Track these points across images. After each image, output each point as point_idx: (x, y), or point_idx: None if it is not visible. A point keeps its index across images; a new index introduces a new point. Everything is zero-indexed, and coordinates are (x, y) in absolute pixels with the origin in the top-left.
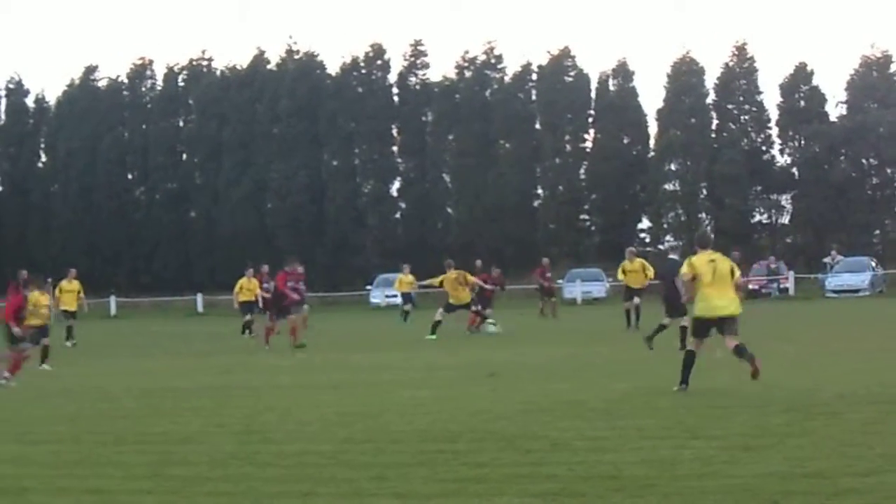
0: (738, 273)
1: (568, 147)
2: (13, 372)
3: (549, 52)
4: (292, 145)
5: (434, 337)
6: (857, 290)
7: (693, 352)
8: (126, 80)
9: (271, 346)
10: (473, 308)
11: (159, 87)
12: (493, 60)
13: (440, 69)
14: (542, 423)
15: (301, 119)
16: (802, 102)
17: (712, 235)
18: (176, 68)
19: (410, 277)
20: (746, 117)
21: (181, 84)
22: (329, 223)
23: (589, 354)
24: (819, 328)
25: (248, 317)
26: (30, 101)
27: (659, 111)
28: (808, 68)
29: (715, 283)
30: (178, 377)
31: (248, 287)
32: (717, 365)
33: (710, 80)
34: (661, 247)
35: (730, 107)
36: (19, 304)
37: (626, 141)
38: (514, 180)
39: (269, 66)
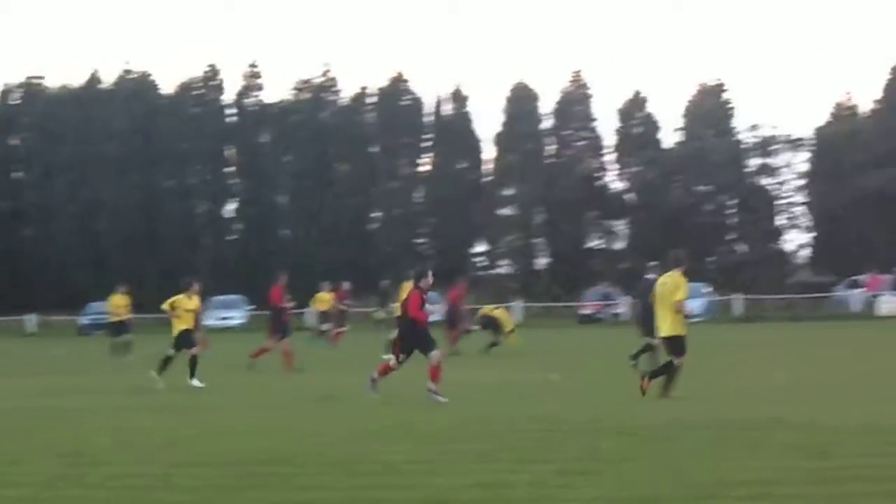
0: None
1: (404, 170)
2: None
3: (385, 75)
4: (126, 165)
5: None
6: (691, 316)
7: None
8: None
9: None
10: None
11: None
12: (329, 83)
13: (277, 91)
14: (374, 446)
15: (135, 139)
16: (638, 129)
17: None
18: (10, 87)
19: (329, 296)
20: (582, 143)
21: (15, 102)
22: (162, 243)
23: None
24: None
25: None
26: None
27: (496, 136)
28: (643, 95)
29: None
30: (6, 399)
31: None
32: (549, 390)
33: (547, 106)
34: (495, 271)
35: (566, 133)
36: None
37: (462, 165)
38: (351, 203)
39: (103, 86)
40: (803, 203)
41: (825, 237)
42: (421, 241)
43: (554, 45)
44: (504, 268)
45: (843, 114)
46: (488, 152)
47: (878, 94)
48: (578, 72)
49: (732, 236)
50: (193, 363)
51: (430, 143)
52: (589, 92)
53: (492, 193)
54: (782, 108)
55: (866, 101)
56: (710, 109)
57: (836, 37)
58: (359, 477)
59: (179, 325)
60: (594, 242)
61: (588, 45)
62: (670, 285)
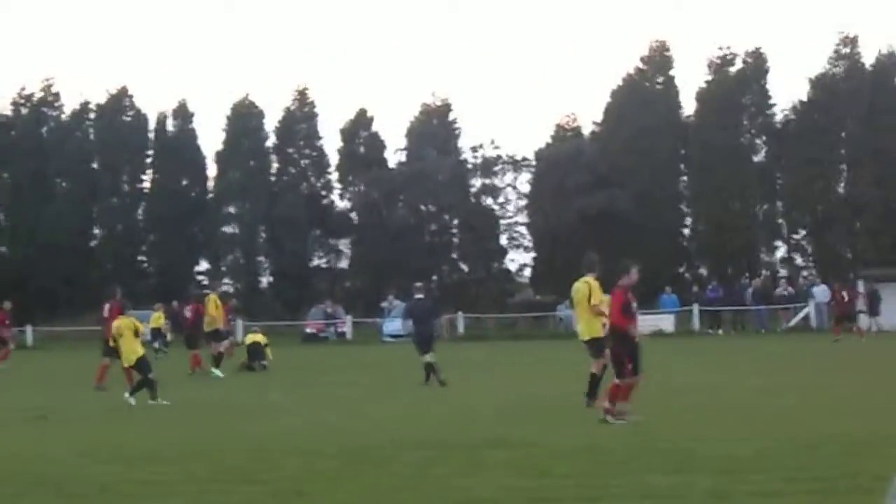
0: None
1: (126, 187)
2: None
3: (107, 90)
4: None
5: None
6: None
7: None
8: None
9: None
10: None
11: None
12: (50, 98)
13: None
14: (90, 467)
15: None
16: (362, 148)
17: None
18: None
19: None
20: (307, 161)
21: None
22: None
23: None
24: (375, 372)
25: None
26: None
27: (218, 153)
28: (369, 114)
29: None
30: None
31: None
32: (272, 409)
33: (271, 123)
34: (221, 290)
35: (290, 150)
36: None
37: (185, 182)
38: (71, 219)
39: None
40: (525, 223)
41: (546, 256)
42: (142, 258)
43: (279, 61)
44: (226, 286)
45: (565, 135)
46: (212, 169)
47: (599, 117)
48: (304, 89)
49: (455, 255)
50: None
51: (152, 160)
52: (315, 110)
53: (215, 211)
54: (506, 129)
55: (587, 122)
56: (434, 129)
57: (559, 59)
58: (74, 499)
59: None
60: (318, 261)
61: (313, 62)
62: (584, 290)
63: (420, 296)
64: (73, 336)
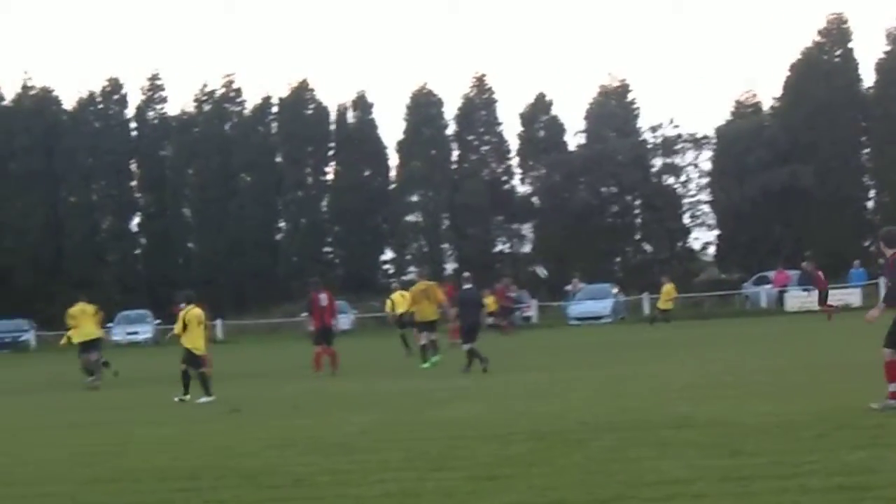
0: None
1: (309, 179)
2: None
3: (288, 84)
4: (29, 182)
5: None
6: (599, 317)
7: None
8: None
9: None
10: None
11: None
12: (231, 94)
13: (179, 103)
14: (285, 458)
15: (37, 155)
16: (542, 132)
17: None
18: None
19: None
20: (487, 147)
21: None
22: (67, 260)
23: (325, 389)
24: (563, 355)
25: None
26: None
27: (399, 143)
28: (547, 98)
29: None
30: None
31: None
32: (459, 395)
33: (450, 111)
34: (404, 278)
35: (470, 137)
36: None
37: (367, 173)
38: (256, 213)
39: (3, 103)
40: (708, 201)
41: (730, 234)
42: (328, 250)
43: (456, 49)
44: (412, 274)
45: (745, 111)
46: (393, 159)
47: (779, 91)
48: (482, 76)
49: (638, 236)
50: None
51: (334, 152)
52: (493, 96)
53: (397, 200)
54: (685, 108)
55: (767, 97)
56: (613, 110)
57: (736, 34)
58: (270, 490)
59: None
60: (501, 246)
61: (491, 48)
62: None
63: (468, 286)
64: (263, 329)
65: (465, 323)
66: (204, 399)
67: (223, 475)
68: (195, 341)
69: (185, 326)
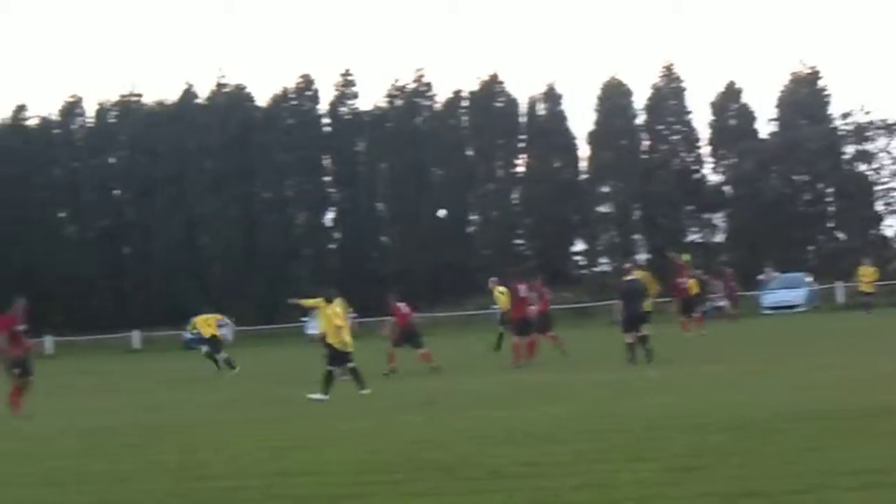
0: None
1: (500, 172)
2: None
3: (478, 77)
4: (223, 179)
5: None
6: (793, 306)
7: None
8: (57, 118)
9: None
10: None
11: (90, 124)
12: (422, 88)
13: (370, 98)
14: (480, 450)
15: (232, 152)
16: (732, 120)
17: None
18: (106, 105)
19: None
20: (677, 137)
21: (112, 120)
22: (262, 256)
23: (520, 380)
24: (756, 345)
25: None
26: None
27: (590, 134)
28: (737, 86)
29: None
30: (113, 415)
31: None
32: (653, 387)
33: (640, 101)
34: (595, 269)
35: (660, 127)
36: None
37: (557, 164)
38: (448, 207)
39: (198, 100)
40: None
41: None
42: (519, 241)
43: (645, 39)
44: (604, 266)
45: None
46: (583, 150)
47: None
48: (670, 65)
49: (831, 224)
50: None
51: (525, 144)
52: (682, 85)
53: (588, 191)
54: (877, 94)
55: None
56: (804, 98)
57: None
58: (467, 482)
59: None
60: (693, 236)
61: (679, 37)
62: None
63: (632, 276)
64: (456, 321)
65: (627, 313)
66: (317, 396)
67: (420, 467)
68: (340, 337)
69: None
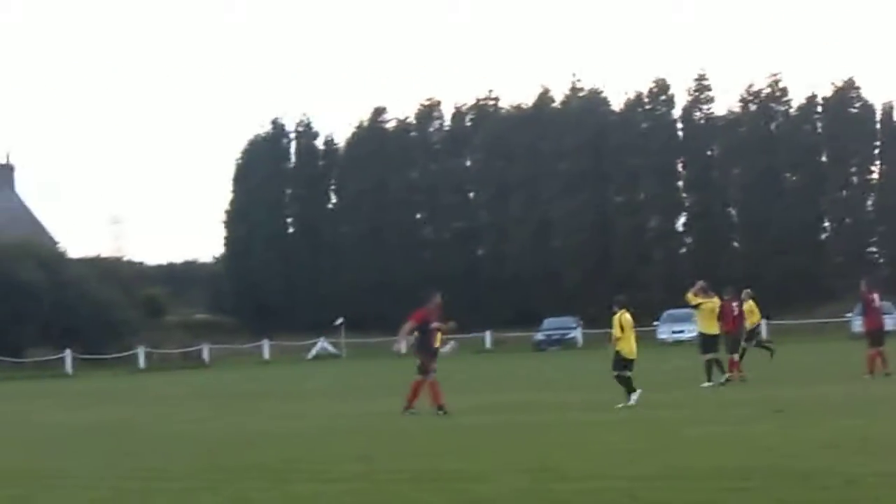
0: None
1: (854, 179)
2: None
3: (832, 83)
4: (577, 182)
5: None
6: None
7: None
8: (414, 121)
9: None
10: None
11: (447, 128)
12: (777, 93)
13: (725, 103)
14: (834, 459)
15: (586, 155)
16: None
17: None
18: (463, 108)
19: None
20: None
21: (468, 124)
22: (613, 259)
23: (877, 390)
24: None
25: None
26: (319, 143)
27: None
28: None
29: None
30: (473, 414)
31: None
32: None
33: None
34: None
35: None
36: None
37: None
38: (800, 213)
39: (553, 104)
40: None
41: None
42: (872, 249)
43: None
44: None
45: None
46: None
47: None
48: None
49: None
50: None
51: (879, 150)
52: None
53: None
54: None
55: None
56: None
57: None
58: (823, 491)
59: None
60: None
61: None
62: None
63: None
64: (807, 329)
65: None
66: (633, 398)
67: (773, 475)
68: (629, 344)
69: (622, 330)
